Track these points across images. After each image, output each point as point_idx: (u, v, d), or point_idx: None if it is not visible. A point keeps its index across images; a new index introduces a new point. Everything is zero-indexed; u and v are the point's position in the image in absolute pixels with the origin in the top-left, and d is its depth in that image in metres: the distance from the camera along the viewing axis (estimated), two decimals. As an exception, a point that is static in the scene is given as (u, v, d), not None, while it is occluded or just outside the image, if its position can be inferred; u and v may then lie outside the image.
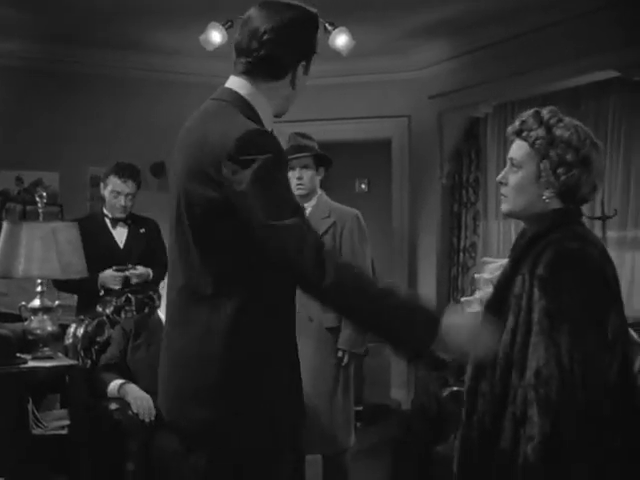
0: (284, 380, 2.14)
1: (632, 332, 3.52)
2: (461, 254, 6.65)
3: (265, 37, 2.08)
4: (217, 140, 2.02)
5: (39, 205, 4.01)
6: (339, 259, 2.08)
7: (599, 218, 5.23)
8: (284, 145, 4.43)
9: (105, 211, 4.71)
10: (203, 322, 2.05)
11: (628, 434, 2.13)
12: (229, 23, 5.09)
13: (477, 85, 6.22)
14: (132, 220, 4.73)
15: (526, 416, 2.09)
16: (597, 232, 5.29)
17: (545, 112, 2.28)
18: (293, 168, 4.19)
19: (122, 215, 4.66)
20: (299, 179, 4.19)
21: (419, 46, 6.56)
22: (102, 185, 4.68)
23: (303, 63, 2.22)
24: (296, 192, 4.24)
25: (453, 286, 6.66)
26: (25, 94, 6.43)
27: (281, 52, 2.12)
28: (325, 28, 4.99)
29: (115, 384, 3.84)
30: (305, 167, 4.20)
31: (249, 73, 2.13)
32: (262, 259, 2.01)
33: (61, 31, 6.12)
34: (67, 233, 3.94)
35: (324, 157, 4.29)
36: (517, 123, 2.31)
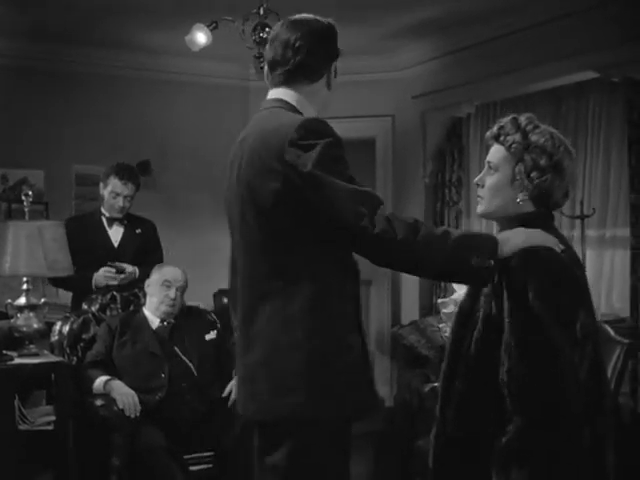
0: (360, 362, 2.23)
1: (609, 328, 3.60)
2: (444, 252, 6.69)
3: (298, 44, 2.27)
4: (277, 133, 2.14)
5: (25, 204, 4.04)
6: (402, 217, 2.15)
7: (578, 217, 5.29)
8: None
9: (103, 210, 4.73)
10: (279, 314, 2.15)
11: (597, 433, 2.18)
12: (214, 24, 5.13)
13: (460, 85, 6.28)
14: (128, 220, 4.75)
15: (500, 413, 2.15)
16: (576, 231, 5.36)
17: (522, 118, 2.36)
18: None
19: (119, 215, 4.69)
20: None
21: (402, 46, 6.60)
22: (102, 185, 4.70)
23: (334, 65, 2.42)
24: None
25: (436, 284, 6.72)
26: (10, 92, 6.42)
27: (314, 56, 2.31)
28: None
29: (101, 380, 3.87)
30: None
31: (289, 81, 2.30)
32: (328, 244, 2.14)
33: (49, 29, 6.12)
34: (53, 231, 3.97)
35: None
36: (495, 128, 2.39)
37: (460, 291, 2.57)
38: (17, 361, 3.82)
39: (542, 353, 2.11)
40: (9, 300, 3.99)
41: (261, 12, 5.09)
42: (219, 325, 4.43)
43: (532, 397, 2.10)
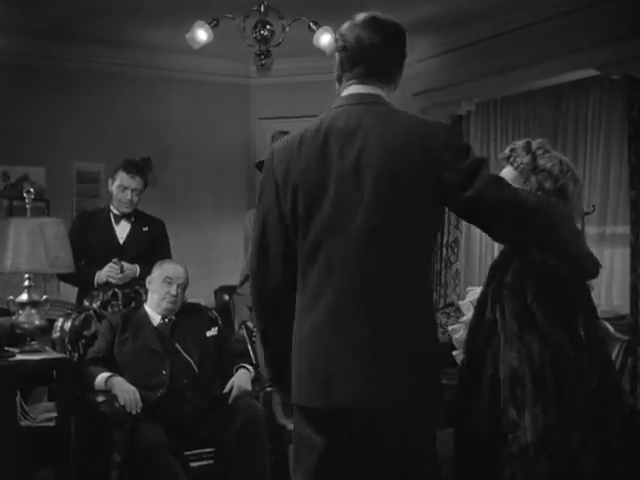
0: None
1: (609, 325, 3.61)
2: (444, 249, 6.72)
3: (380, 46, 2.29)
4: (424, 133, 2.19)
5: (27, 201, 4.05)
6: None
7: (578, 214, 5.30)
8: (268, 143, 4.50)
9: (112, 207, 4.75)
10: (413, 302, 2.16)
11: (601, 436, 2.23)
12: (215, 22, 5.14)
13: (460, 83, 6.29)
14: (136, 217, 4.76)
15: (506, 416, 2.19)
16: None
17: (534, 143, 2.51)
18: (279, 166, 4.27)
19: (128, 210, 4.69)
20: (285, 176, 4.27)
21: (403, 44, 6.62)
22: (110, 181, 4.72)
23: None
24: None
25: (436, 281, 6.73)
26: (11, 90, 6.44)
27: (391, 57, 2.36)
28: (309, 27, 5.06)
29: (102, 377, 3.88)
30: None
31: (371, 79, 2.30)
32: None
33: (48, 27, 6.14)
34: (54, 228, 3.98)
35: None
36: (508, 150, 2.53)
37: (469, 314, 2.65)
38: (19, 357, 3.83)
39: (542, 355, 2.16)
40: (11, 297, 4.01)
41: (262, 9, 5.10)
42: (220, 322, 4.43)
43: (536, 399, 2.15)
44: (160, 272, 4.18)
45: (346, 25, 2.34)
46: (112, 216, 4.72)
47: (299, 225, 2.21)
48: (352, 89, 2.29)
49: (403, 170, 2.14)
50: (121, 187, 4.64)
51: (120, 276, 4.50)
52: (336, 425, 2.17)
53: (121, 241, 4.69)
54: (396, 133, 2.18)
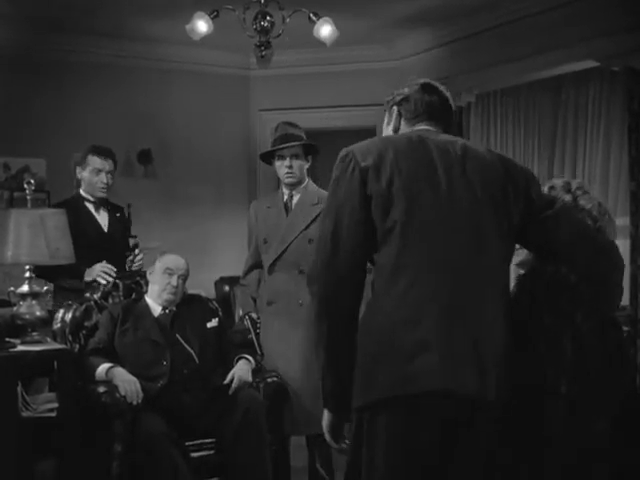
0: None
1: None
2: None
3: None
4: (516, 166, 2.46)
5: (27, 192, 4.05)
6: None
7: (578, 205, 5.30)
8: (269, 134, 4.51)
9: (84, 194, 4.68)
10: (508, 304, 2.33)
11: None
12: (215, 13, 5.14)
13: (460, 74, 6.28)
14: (110, 205, 4.77)
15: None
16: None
17: (574, 183, 2.68)
18: (283, 157, 4.29)
19: (103, 194, 4.65)
20: (289, 168, 4.29)
21: (402, 35, 6.61)
22: (79, 169, 4.66)
23: None
24: (286, 181, 4.34)
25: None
26: (11, 81, 6.43)
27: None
28: (309, 18, 5.06)
29: (103, 368, 3.89)
30: (295, 156, 4.30)
31: (442, 126, 2.56)
32: None
33: (48, 19, 6.13)
34: (55, 219, 3.98)
35: (312, 146, 4.38)
36: (546, 188, 2.66)
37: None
38: (20, 348, 3.83)
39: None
40: (12, 288, 4.00)
41: (262, 1, 5.10)
42: (220, 313, 4.44)
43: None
44: (161, 263, 4.19)
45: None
46: (89, 205, 4.66)
47: (397, 224, 2.24)
48: (423, 125, 2.53)
49: (503, 182, 2.34)
50: (95, 170, 4.60)
51: (111, 279, 4.47)
52: (450, 413, 2.19)
53: (105, 229, 4.68)
54: (486, 153, 2.43)
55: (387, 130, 2.60)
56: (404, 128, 2.54)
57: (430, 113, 2.53)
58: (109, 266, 4.46)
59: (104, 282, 4.43)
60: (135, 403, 3.74)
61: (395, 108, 2.57)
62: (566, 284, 2.38)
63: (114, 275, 4.44)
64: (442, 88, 2.64)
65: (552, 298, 2.41)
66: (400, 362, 2.15)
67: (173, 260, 4.21)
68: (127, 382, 3.79)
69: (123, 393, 3.74)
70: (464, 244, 2.24)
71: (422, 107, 2.53)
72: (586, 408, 2.32)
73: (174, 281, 4.14)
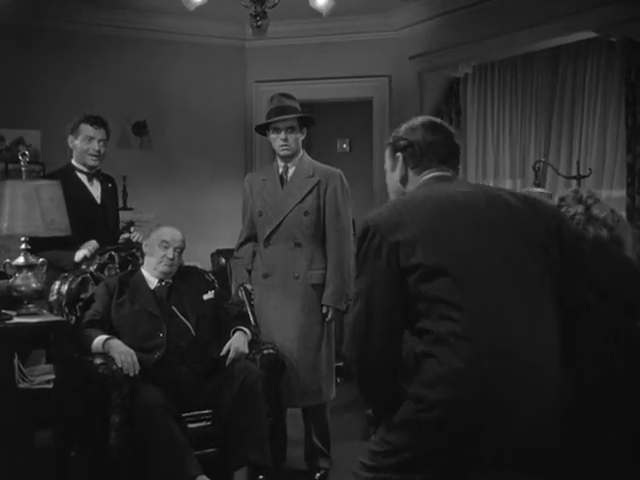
0: None
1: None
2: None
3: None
4: (544, 207, 2.36)
5: (22, 163, 4.03)
6: None
7: (575, 177, 5.30)
8: (265, 106, 4.49)
9: (76, 164, 4.61)
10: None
11: None
12: (210, -18, 5.09)
13: (457, 45, 6.25)
14: (103, 176, 4.72)
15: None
16: (573, 191, 5.36)
17: (584, 193, 2.59)
18: (279, 130, 4.27)
19: (96, 162, 4.59)
20: (284, 141, 4.27)
21: (399, 6, 6.56)
22: (71, 137, 4.59)
23: None
24: (281, 153, 4.32)
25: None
26: (6, 52, 6.39)
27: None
28: (306, -13, 5.02)
29: (99, 339, 3.90)
30: (290, 129, 4.28)
31: (452, 166, 2.47)
32: None
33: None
34: (50, 191, 3.96)
35: (308, 118, 4.36)
36: (557, 199, 2.61)
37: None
38: (16, 320, 3.84)
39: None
40: (7, 260, 4.00)
41: (257, -30, 5.04)
42: (217, 285, 4.45)
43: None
44: (157, 235, 4.19)
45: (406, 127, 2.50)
46: (82, 176, 4.60)
47: (444, 293, 2.11)
48: (433, 173, 2.41)
49: (543, 237, 2.23)
50: (87, 138, 4.53)
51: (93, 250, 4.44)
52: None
53: (99, 201, 4.64)
54: (510, 198, 2.29)
55: (392, 177, 2.48)
56: (412, 178, 2.42)
57: (438, 155, 2.42)
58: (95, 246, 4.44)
59: (89, 255, 4.40)
60: (132, 375, 3.75)
61: (400, 155, 2.44)
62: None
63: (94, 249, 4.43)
64: (446, 125, 2.52)
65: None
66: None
67: (169, 232, 4.20)
68: (123, 354, 3.79)
69: (119, 365, 3.74)
70: (522, 311, 2.13)
71: (428, 151, 2.42)
72: None
73: (170, 253, 4.14)
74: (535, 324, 2.13)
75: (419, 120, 2.48)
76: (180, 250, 4.20)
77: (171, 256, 4.14)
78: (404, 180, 2.43)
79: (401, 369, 2.20)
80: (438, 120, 2.52)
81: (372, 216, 2.24)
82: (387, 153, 2.50)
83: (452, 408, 2.04)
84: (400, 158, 2.43)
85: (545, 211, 2.31)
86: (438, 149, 2.41)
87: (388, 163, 2.49)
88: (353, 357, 2.23)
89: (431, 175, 2.39)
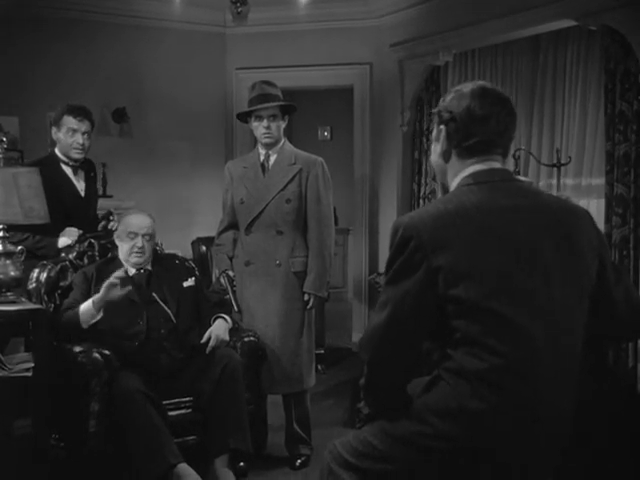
0: None
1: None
2: (421, 200, 6.74)
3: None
4: (574, 208, 2.20)
5: (0, 150, 3.99)
6: None
7: (555, 165, 5.32)
8: (246, 93, 4.48)
9: (60, 155, 4.57)
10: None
11: None
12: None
13: (438, 33, 6.26)
14: (87, 166, 4.68)
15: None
16: (553, 179, 5.39)
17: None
18: (261, 118, 4.26)
19: (80, 155, 4.54)
20: (267, 128, 4.27)
21: (381, -7, 6.57)
22: (54, 129, 4.55)
23: None
24: (263, 141, 4.31)
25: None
26: (-18, 38, 6.34)
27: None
28: (286, -26, 5.01)
29: (86, 304, 3.86)
30: (272, 117, 4.28)
31: (501, 152, 2.20)
32: None
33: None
34: (28, 178, 3.93)
35: (290, 106, 4.36)
36: None
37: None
38: (-6, 308, 3.81)
39: None
40: (-15, 248, 3.96)
41: (238, -44, 5.02)
42: (197, 272, 4.44)
43: None
44: (123, 227, 4.14)
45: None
46: (66, 168, 4.56)
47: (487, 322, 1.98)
48: (479, 166, 2.15)
49: (578, 239, 2.10)
50: (70, 131, 4.48)
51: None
52: None
53: (82, 193, 4.61)
54: (553, 207, 2.12)
55: (435, 149, 2.22)
56: (455, 161, 2.16)
57: (488, 136, 2.12)
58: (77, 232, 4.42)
59: (72, 243, 4.39)
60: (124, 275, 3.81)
61: (443, 128, 2.16)
62: None
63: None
64: (500, 92, 2.17)
65: None
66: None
67: (135, 222, 4.13)
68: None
69: (114, 280, 3.75)
70: (557, 362, 2.03)
71: (475, 128, 2.12)
72: None
73: (139, 242, 4.09)
74: (567, 378, 2.06)
75: (469, 87, 2.15)
76: (149, 236, 4.13)
77: (140, 244, 4.09)
78: (446, 156, 2.17)
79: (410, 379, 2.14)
80: (492, 87, 2.17)
81: (414, 223, 2.02)
82: (434, 120, 2.23)
83: (456, 446, 1.97)
84: (443, 131, 2.16)
85: (593, 234, 2.15)
86: (488, 127, 2.11)
87: (434, 132, 2.23)
88: (366, 356, 2.12)
89: (477, 169, 2.12)
